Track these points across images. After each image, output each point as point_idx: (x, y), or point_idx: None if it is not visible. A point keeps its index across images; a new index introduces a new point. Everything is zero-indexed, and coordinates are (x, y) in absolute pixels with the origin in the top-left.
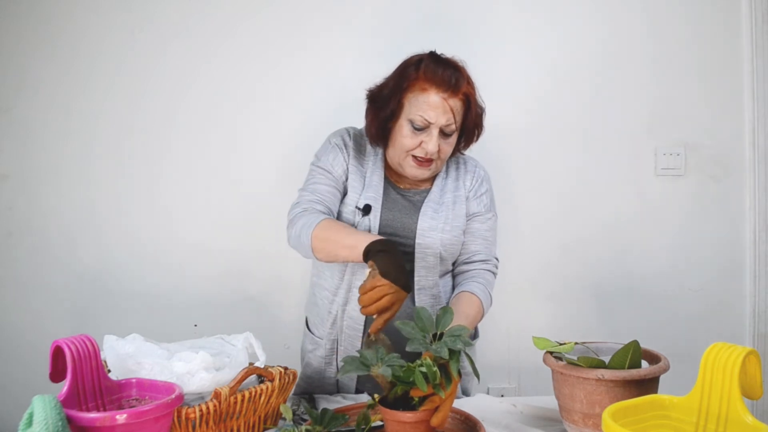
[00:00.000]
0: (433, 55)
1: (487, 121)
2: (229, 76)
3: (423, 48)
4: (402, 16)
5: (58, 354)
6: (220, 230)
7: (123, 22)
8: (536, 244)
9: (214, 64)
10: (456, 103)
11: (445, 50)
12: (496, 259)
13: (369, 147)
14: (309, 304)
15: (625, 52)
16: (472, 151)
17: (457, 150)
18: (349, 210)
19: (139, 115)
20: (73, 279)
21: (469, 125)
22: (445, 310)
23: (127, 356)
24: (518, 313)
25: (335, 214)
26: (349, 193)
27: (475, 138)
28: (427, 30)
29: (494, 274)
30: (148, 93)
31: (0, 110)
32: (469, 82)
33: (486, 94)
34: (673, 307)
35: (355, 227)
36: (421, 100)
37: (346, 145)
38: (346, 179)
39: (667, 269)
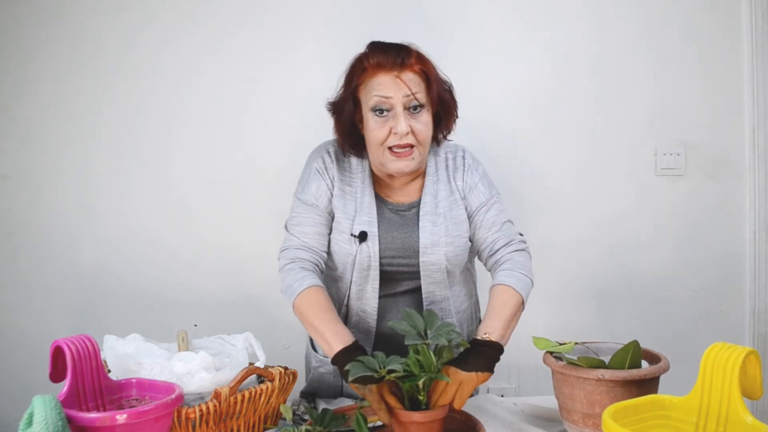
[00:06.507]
0: (374, 43)
1: (487, 121)
2: (229, 75)
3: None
4: (405, 14)
5: (58, 354)
6: (219, 230)
7: (123, 22)
8: (536, 243)
9: (213, 64)
10: (411, 77)
11: (445, 50)
12: (520, 234)
13: (353, 161)
14: None
15: (625, 52)
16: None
17: (440, 136)
18: (344, 238)
19: (139, 115)
20: (74, 279)
21: (435, 100)
22: (430, 313)
23: (127, 356)
24: None
25: (324, 257)
26: (339, 218)
27: (453, 118)
28: (428, 30)
29: (523, 250)
30: (148, 93)
31: (0, 110)
32: (421, 57)
33: (486, 93)
34: (673, 307)
35: (354, 256)
36: (374, 84)
37: (327, 169)
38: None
39: (667, 269)
